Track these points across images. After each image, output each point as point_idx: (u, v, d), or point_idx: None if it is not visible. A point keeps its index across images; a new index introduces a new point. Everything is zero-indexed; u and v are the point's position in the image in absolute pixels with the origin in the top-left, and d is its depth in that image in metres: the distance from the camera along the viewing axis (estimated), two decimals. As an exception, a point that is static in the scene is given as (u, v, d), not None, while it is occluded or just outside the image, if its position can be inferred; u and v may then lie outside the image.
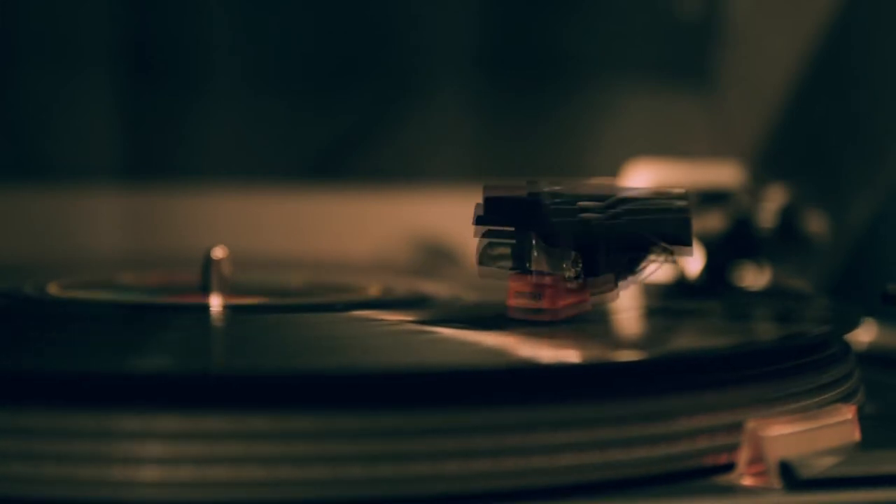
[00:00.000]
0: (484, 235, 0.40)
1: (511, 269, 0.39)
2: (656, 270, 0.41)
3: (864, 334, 0.53)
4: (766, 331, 0.45)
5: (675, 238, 0.41)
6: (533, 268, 0.39)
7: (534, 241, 0.38)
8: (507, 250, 0.39)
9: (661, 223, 0.40)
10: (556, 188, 0.39)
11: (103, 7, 0.73)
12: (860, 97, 0.72)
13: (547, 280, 0.39)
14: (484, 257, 0.40)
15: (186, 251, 0.61)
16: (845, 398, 0.39)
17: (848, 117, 0.72)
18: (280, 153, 0.78)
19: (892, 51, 0.70)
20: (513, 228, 0.39)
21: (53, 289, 0.49)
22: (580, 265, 0.39)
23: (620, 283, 0.41)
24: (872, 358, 0.51)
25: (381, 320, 0.42)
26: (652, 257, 0.41)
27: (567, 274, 0.39)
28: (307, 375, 0.32)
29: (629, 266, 0.41)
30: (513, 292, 0.40)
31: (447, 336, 0.38)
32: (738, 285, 0.59)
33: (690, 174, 0.63)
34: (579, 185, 0.41)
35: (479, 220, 0.39)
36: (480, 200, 0.40)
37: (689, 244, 0.41)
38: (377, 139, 0.78)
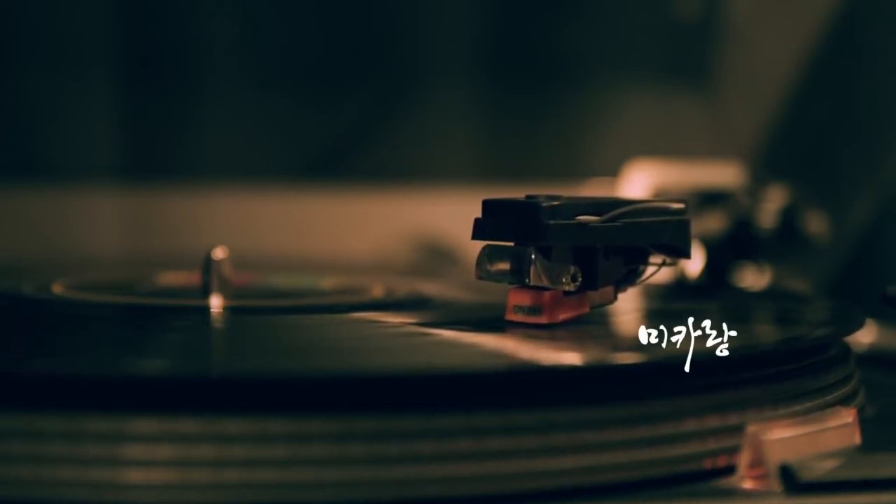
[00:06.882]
0: (482, 249, 0.39)
1: (510, 283, 0.39)
2: (654, 274, 0.41)
3: (865, 335, 0.53)
4: (766, 333, 0.45)
5: (673, 246, 0.41)
6: (532, 283, 0.38)
7: (532, 256, 0.38)
8: (506, 265, 0.39)
9: (659, 230, 0.40)
10: (555, 196, 0.39)
11: (103, 7, 0.73)
12: (860, 97, 0.72)
13: (546, 296, 0.39)
14: (482, 271, 0.39)
15: (186, 251, 0.61)
16: (846, 401, 0.39)
17: (848, 117, 0.72)
18: (280, 153, 0.78)
19: (892, 51, 0.70)
20: (511, 244, 0.39)
21: (54, 289, 0.49)
22: (579, 279, 0.39)
23: (619, 293, 0.41)
24: (872, 359, 0.51)
25: (383, 322, 0.42)
26: (651, 261, 0.41)
27: (566, 288, 0.39)
28: (324, 378, 0.32)
29: (628, 276, 0.41)
30: (511, 306, 0.39)
31: (448, 339, 0.38)
32: (738, 286, 0.59)
33: (690, 175, 0.63)
34: (577, 196, 0.40)
35: (477, 236, 0.39)
36: (479, 215, 0.39)
37: (687, 253, 0.41)
38: (378, 139, 0.78)
